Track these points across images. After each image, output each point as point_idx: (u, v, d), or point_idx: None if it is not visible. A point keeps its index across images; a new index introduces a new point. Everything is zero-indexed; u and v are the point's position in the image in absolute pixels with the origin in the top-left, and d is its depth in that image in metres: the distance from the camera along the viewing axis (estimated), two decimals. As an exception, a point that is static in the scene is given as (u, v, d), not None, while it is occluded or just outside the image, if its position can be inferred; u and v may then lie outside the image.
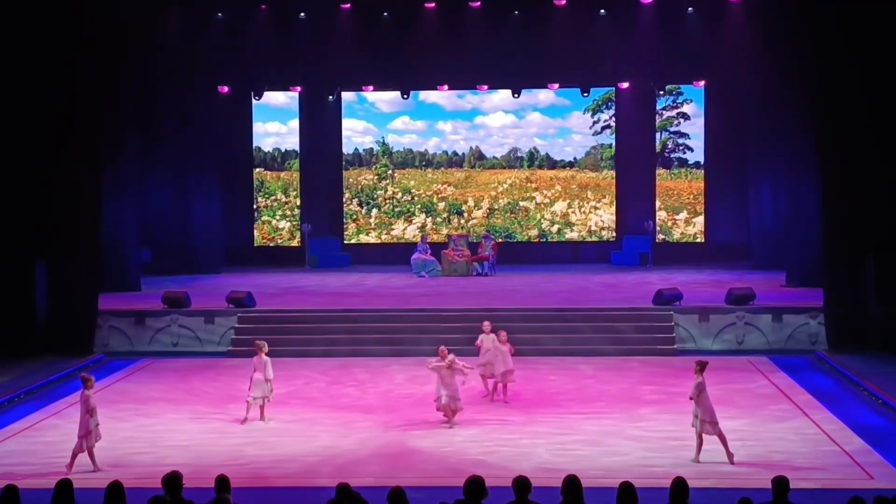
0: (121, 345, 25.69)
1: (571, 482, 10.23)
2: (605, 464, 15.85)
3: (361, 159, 37.37)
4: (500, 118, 37.01)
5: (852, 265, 23.70)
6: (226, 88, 35.17)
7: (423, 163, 37.33)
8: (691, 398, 16.13)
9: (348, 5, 33.31)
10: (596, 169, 36.74)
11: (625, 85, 35.48)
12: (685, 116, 36.18)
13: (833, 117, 23.71)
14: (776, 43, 27.80)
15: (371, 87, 36.18)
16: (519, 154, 37.07)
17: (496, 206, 36.98)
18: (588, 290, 29.36)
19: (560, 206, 36.76)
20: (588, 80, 35.41)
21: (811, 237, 27.12)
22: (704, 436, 15.94)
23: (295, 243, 36.81)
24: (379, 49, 33.74)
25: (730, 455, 15.81)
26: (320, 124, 36.71)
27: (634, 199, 36.18)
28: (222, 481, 10.84)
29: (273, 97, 36.86)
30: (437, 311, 26.23)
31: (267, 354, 18.90)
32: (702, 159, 36.06)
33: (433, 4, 33.13)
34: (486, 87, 36.06)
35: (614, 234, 36.41)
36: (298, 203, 37.03)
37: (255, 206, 37.11)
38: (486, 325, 20.81)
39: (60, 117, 24.39)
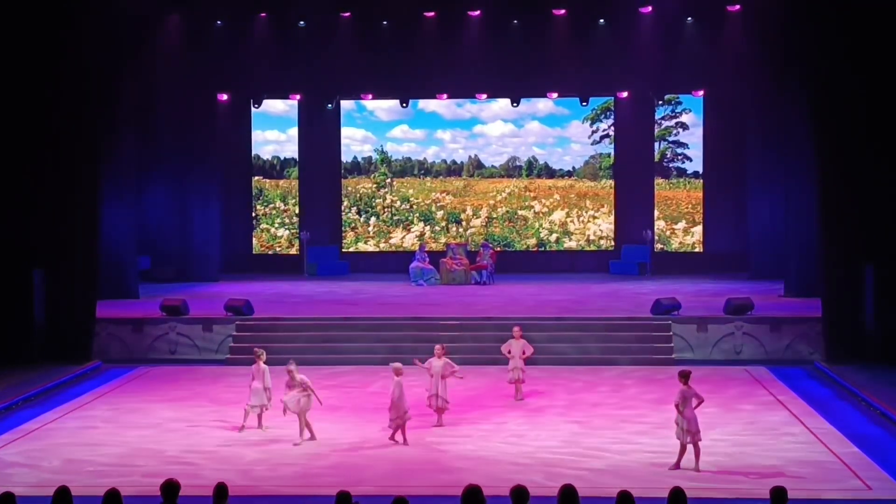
0: (119, 352, 25.67)
1: (568, 492, 10.21)
2: (602, 473, 15.83)
3: (360, 167, 37.39)
4: (498, 127, 37.04)
5: (851, 275, 23.70)
6: (225, 96, 35.22)
7: (422, 171, 37.35)
8: (676, 406, 16.17)
9: (348, 13, 33.34)
10: (595, 178, 36.75)
11: (624, 94, 35.51)
12: (684, 126, 36.20)
13: (832, 127, 23.73)
14: (775, 53, 27.84)
15: (370, 96, 36.20)
16: (518, 163, 37.09)
17: (495, 215, 37.00)
18: (586, 299, 29.35)
19: (559, 216, 36.77)
20: (587, 90, 35.44)
21: (809, 247, 27.16)
22: (688, 445, 15.98)
23: (293, 251, 36.81)
24: (378, 57, 33.76)
25: (697, 466, 15.90)
26: (319, 132, 36.73)
27: (633, 208, 36.19)
28: (221, 489, 10.82)
29: (272, 105, 36.89)
30: (436, 320, 26.23)
31: (265, 362, 18.89)
32: (700, 169, 36.07)
33: (433, 13, 33.15)
34: (485, 95, 36.09)
35: (613, 244, 36.41)
36: (297, 211, 37.04)
37: (253, 214, 37.11)
38: (516, 330, 21.15)
39: (59, 124, 24.39)
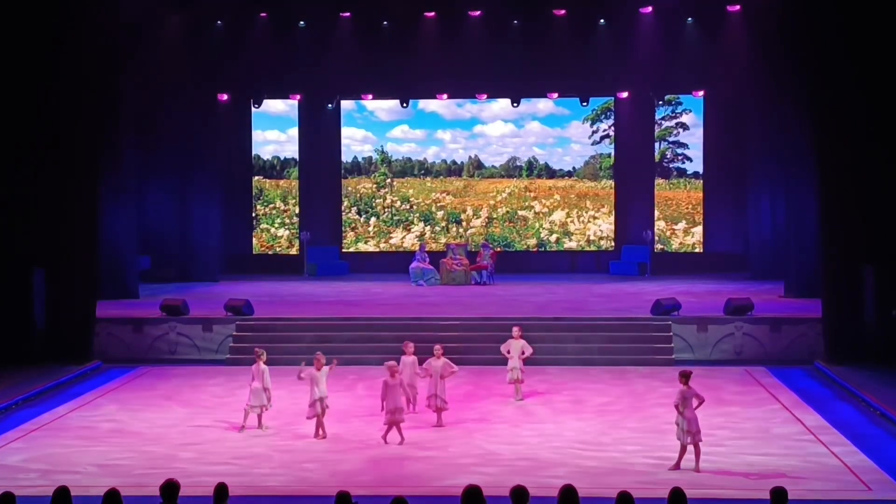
0: (119, 352, 25.66)
1: (568, 492, 10.23)
2: (602, 473, 15.83)
3: (360, 168, 37.40)
4: (499, 127, 37.05)
5: (851, 276, 23.68)
6: (225, 96, 35.22)
7: (422, 171, 37.35)
8: (676, 406, 16.17)
9: (348, 14, 33.34)
10: (595, 178, 36.76)
11: (624, 94, 35.51)
12: (684, 126, 36.21)
13: (832, 127, 23.72)
14: (775, 53, 27.80)
15: (370, 96, 36.22)
16: (518, 163, 37.10)
17: (495, 216, 37.00)
18: (586, 299, 29.35)
19: (559, 216, 36.78)
20: (587, 90, 35.44)
21: (809, 247, 27.17)
22: (688, 445, 15.98)
23: (293, 251, 36.81)
24: (378, 57, 33.76)
25: (698, 467, 15.89)
26: (319, 132, 36.74)
27: (633, 208, 36.21)
28: (221, 489, 10.82)
29: (272, 105, 36.90)
30: (436, 320, 26.21)
31: (265, 363, 18.89)
32: (700, 169, 36.08)
33: (433, 13, 33.16)
34: (485, 96, 36.10)
35: (613, 244, 36.42)
36: (297, 211, 37.04)
37: (253, 214, 37.12)
38: (516, 330, 21.12)
39: (59, 124, 24.38)
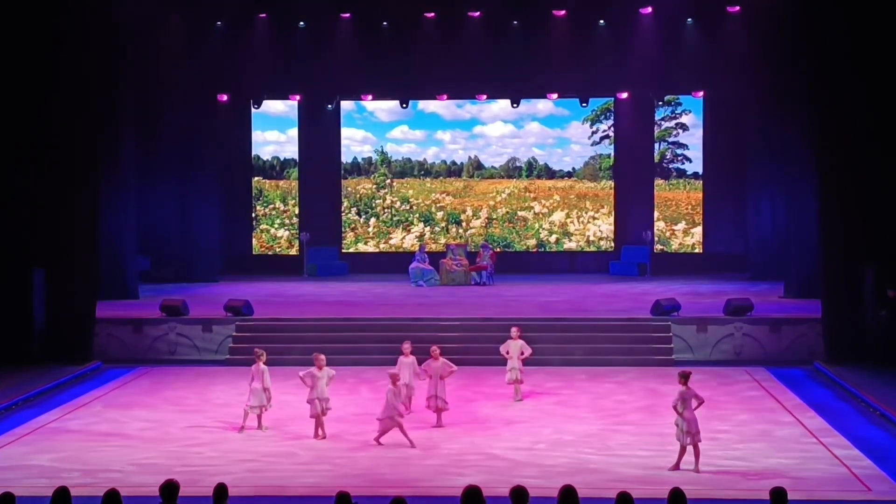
0: (118, 353, 25.64)
1: (568, 492, 10.23)
2: (601, 474, 15.83)
3: (360, 168, 37.40)
4: (498, 128, 37.05)
5: (851, 276, 23.67)
6: (225, 97, 35.22)
7: (422, 172, 37.36)
8: (675, 407, 16.18)
9: (348, 14, 33.37)
10: (594, 179, 36.76)
11: (624, 95, 35.51)
12: (684, 127, 36.21)
13: (832, 128, 23.72)
14: (775, 54, 27.86)
15: (370, 96, 36.22)
16: (517, 164, 37.10)
17: (494, 216, 37.00)
18: (586, 300, 29.35)
19: (558, 216, 36.78)
20: (587, 91, 35.45)
21: (809, 248, 27.18)
22: (688, 446, 15.98)
23: (293, 252, 36.82)
24: (378, 58, 33.78)
25: (697, 467, 15.89)
26: (319, 133, 36.75)
27: (633, 209, 36.21)
28: (220, 490, 10.82)
29: (272, 106, 36.91)
30: (435, 321, 26.21)
31: (265, 363, 18.89)
32: (700, 170, 36.08)
33: (433, 14, 33.18)
34: (485, 96, 36.10)
35: (613, 245, 36.42)
36: (297, 212, 37.05)
37: (253, 215, 37.13)
38: (515, 331, 21.06)
39: (59, 124, 24.38)
